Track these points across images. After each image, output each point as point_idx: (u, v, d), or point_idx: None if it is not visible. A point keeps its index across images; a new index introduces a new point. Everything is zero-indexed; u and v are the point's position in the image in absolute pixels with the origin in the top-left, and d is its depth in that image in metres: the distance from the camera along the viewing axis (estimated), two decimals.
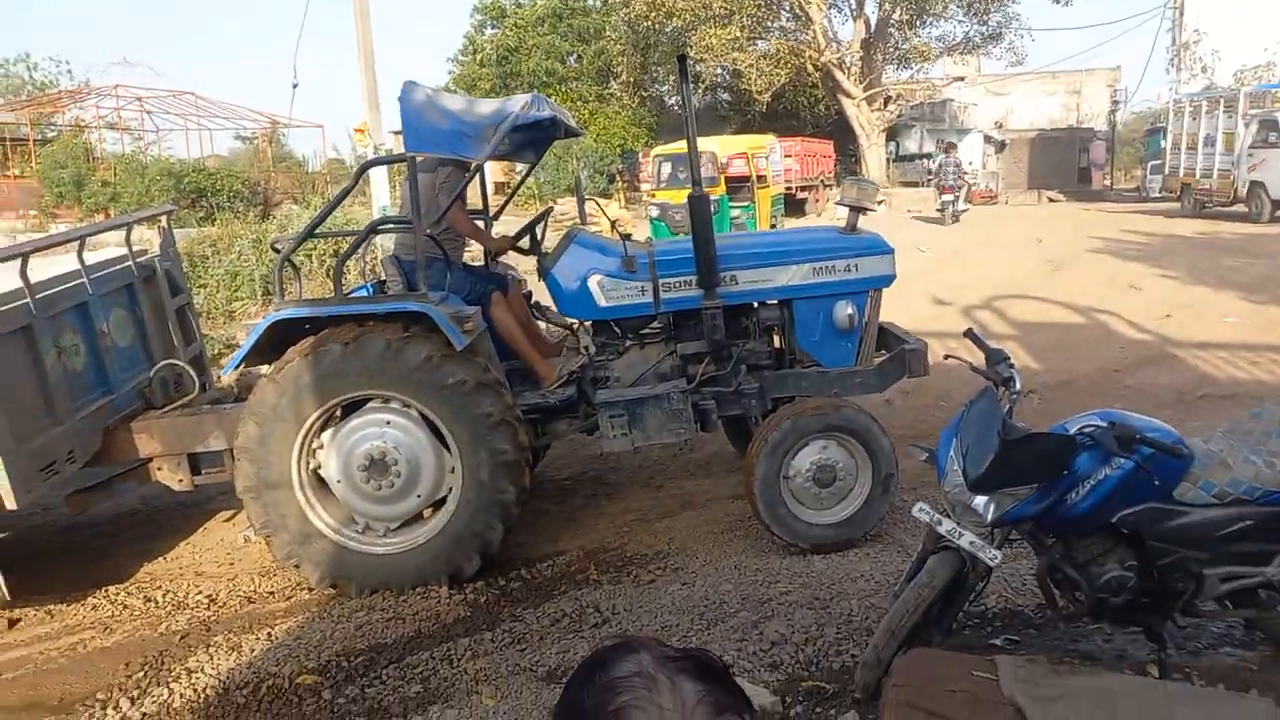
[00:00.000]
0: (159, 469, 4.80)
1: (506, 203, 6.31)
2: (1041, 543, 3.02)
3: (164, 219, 5.94)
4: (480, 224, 5.58)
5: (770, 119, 27.18)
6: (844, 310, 4.81)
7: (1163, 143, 22.57)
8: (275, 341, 4.30)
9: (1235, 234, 15.48)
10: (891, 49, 27.05)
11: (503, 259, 5.46)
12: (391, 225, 5.30)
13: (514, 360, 4.94)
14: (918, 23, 26.15)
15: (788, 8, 25.70)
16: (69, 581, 4.89)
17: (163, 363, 5.18)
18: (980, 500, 2.91)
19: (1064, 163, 29.89)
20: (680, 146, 16.98)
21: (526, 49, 31.40)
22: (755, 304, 4.94)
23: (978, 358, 3.34)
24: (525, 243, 5.29)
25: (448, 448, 4.33)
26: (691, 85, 4.78)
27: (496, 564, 4.55)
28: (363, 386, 4.26)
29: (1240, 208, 18.05)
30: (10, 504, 4.07)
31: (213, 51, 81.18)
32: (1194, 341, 8.11)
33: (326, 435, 4.36)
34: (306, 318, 4.31)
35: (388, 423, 4.32)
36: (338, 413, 4.39)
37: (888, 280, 4.96)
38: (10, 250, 4.44)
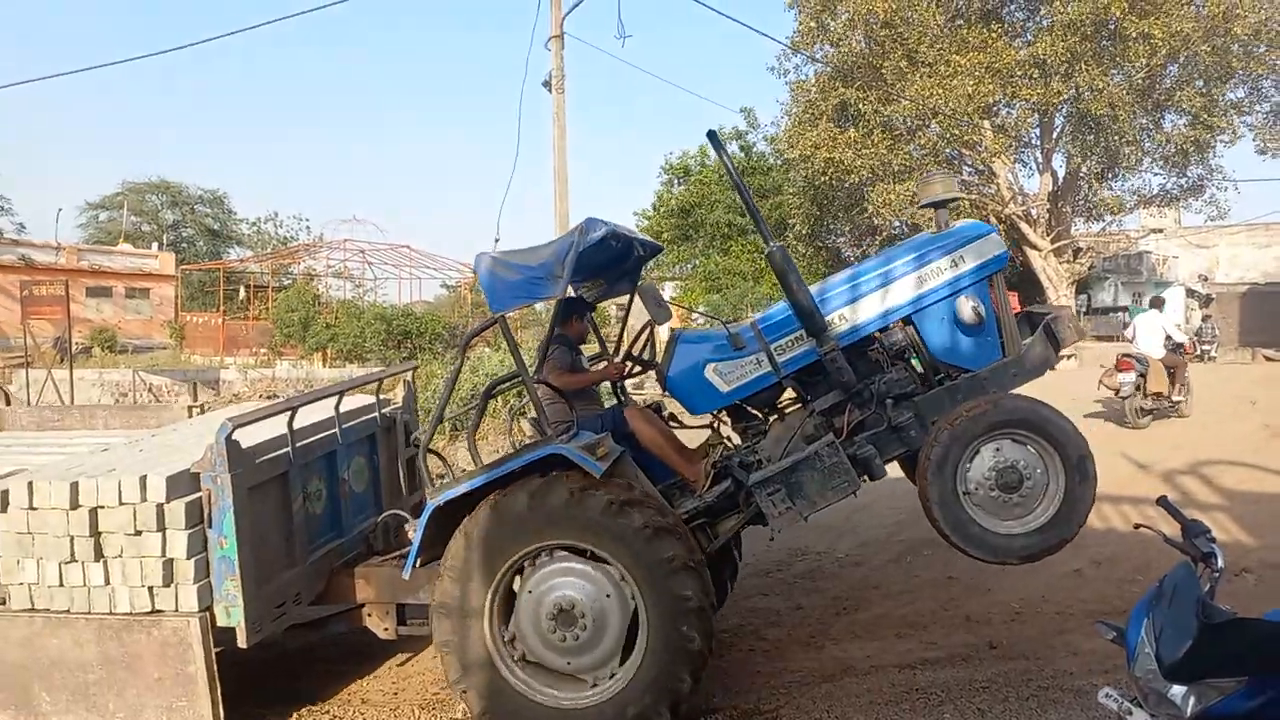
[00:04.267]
0: (369, 614, 5.01)
1: (622, 334, 6.37)
2: None
3: (409, 374, 6.46)
4: (601, 364, 5.65)
5: None
6: (968, 305, 4.56)
7: None
8: (441, 527, 4.41)
9: None
10: (1081, 201, 26.35)
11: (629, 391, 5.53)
12: (504, 386, 5.33)
13: (670, 478, 4.89)
14: (1109, 175, 25.44)
15: (970, 163, 25.75)
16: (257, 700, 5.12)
17: (388, 512, 5.41)
18: (1178, 691, 2.65)
19: None
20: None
21: (709, 204, 32.93)
22: (876, 334, 4.73)
23: (1174, 529, 3.11)
24: (628, 364, 5.34)
25: (631, 596, 4.28)
26: (731, 163, 4.80)
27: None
28: (536, 539, 4.28)
29: None
30: (243, 642, 4.33)
31: (431, 210, 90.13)
32: None
33: (516, 586, 4.39)
34: (460, 496, 4.38)
35: (569, 572, 4.31)
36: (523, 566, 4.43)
37: (1001, 261, 4.72)
38: (281, 405, 4.92)
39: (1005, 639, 5.54)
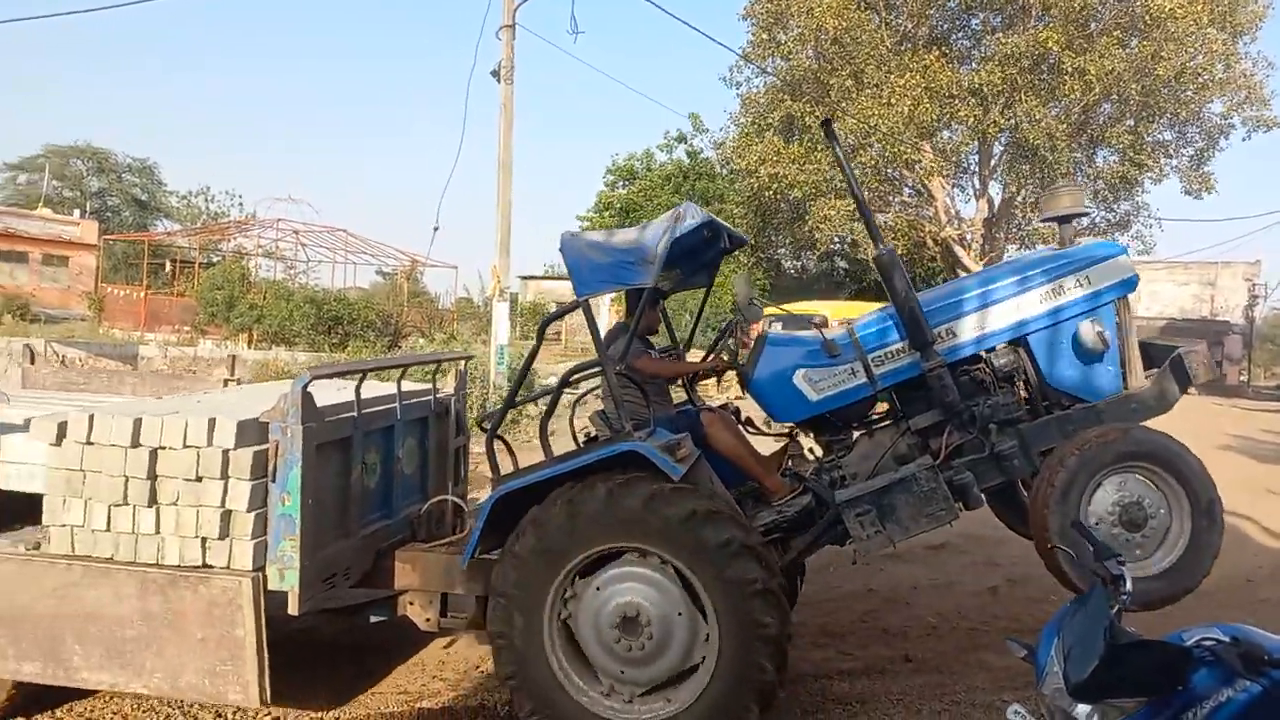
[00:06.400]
0: (410, 603, 4.75)
1: (694, 331, 6.00)
2: None
3: (462, 362, 6.23)
4: (675, 359, 5.39)
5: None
6: (1091, 330, 4.27)
7: None
8: (501, 518, 4.21)
9: None
10: (1014, 228, 27.12)
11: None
12: (582, 374, 4.85)
13: (742, 483, 4.62)
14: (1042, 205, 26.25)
15: (910, 184, 26.28)
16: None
17: (441, 497, 5.21)
18: (1083, 709, 2.69)
19: None
20: (794, 307, 17.21)
21: (652, 206, 33.01)
22: (985, 353, 4.45)
23: (1086, 553, 3.16)
24: (717, 359, 5.04)
25: (703, 612, 3.97)
26: (845, 158, 4.50)
27: None
28: (607, 539, 4.02)
29: None
30: (294, 608, 4.05)
31: (368, 194, 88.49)
32: None
33: (580, 585, 4.12)
34: (527, 487, 4.17)
35: (642, 578, 4.03)
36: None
37: (1132, 284, 4.43)
38: (347, 367, 4.69)
39: (921, 653, 5.61)
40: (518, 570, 4.07)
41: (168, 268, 32.29)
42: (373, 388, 5.04)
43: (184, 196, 46.07)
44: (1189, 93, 22.11)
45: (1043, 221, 5.00)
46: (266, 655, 3.98)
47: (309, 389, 4.05)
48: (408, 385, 5.29)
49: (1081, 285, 4.39)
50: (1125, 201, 25.62)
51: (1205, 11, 20.40)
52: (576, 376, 4.81)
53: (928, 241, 25.53)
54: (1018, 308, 4.40)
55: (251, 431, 4.05)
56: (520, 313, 37.05)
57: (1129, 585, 2.88)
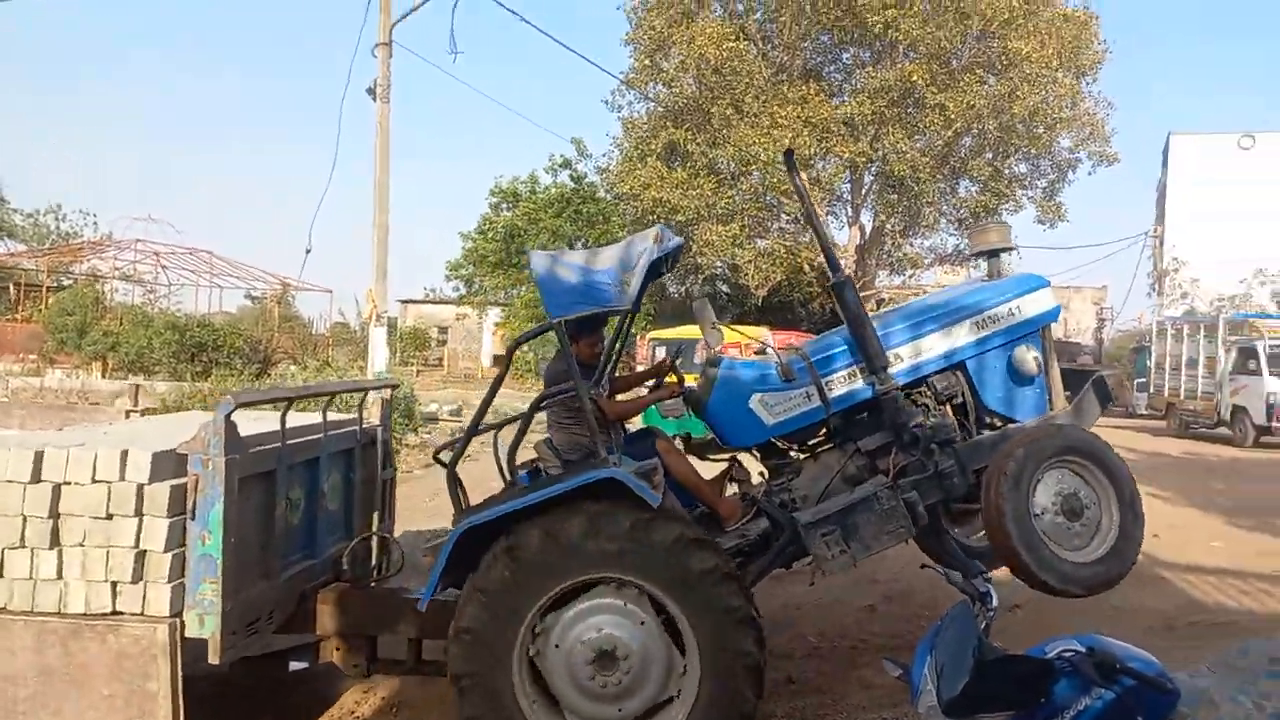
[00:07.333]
0: (337, 648, 4.44)
1: (616, 360, 5.62)
2: None
3: (388, 390, 5.88)
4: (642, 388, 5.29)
5: (766, 312, 28.01)
6: (1027, 355, 4.52)
7: (1148, 361, 23.17)
8: (463, 554, 4.00)
9: (1220, 456, 15.60)
10: (885, 255, 28.28)
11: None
12: (553, 398, 4.52)
13: (691, 509, 4.54)
14: (910, 232, 27.48)
15: (787, 212, 27.10)
16: None
17: (372, 533, 4.88)
18: None
19: None
20: (676, 332, 17.38)
21: (536, 230, 32.85)
22: (929, 376, 4.62)
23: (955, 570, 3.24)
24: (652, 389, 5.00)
25: (678, 643, 3.90)
26: (803, 189, 4.59)
27: None
28: (585, 571, 3.89)
29: (1224, 430, 18.26)
30: (214, 657, 3.73)
31: (235, 215, 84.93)
32: (1183, 564, 7.94)
33: (551, 619, 3.97)
34: (493, 520, 3.98)
35: (589, 611, 3.93)
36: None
37: (1055, 314, 4.73)
38: (274, 394, 4.35)
39: (802, 673, 5.63)
40: (485, 606, 3.86)
41: (11, 292, 30.01)
42: (292, 418, 4.73)
43: (30, 215, 43.00)
44: (1040, 129, 23.64)
45: (972, 255, 5.25)
46: (183, 711, 3.67)
47: (233, 418, 3.75)
48: (324, 416, 5.00)
49: (1013, 314, 4.63)
50: None
51: (1055, 55, 21.92)
52: (547, 402, 4.56)
53: (804, 266, 26.31)
54: (958, 334, 4.60)
55: (168, 464, 3.75)
56: (400, 338, 36.18)
57: (995, 602, 2.98)
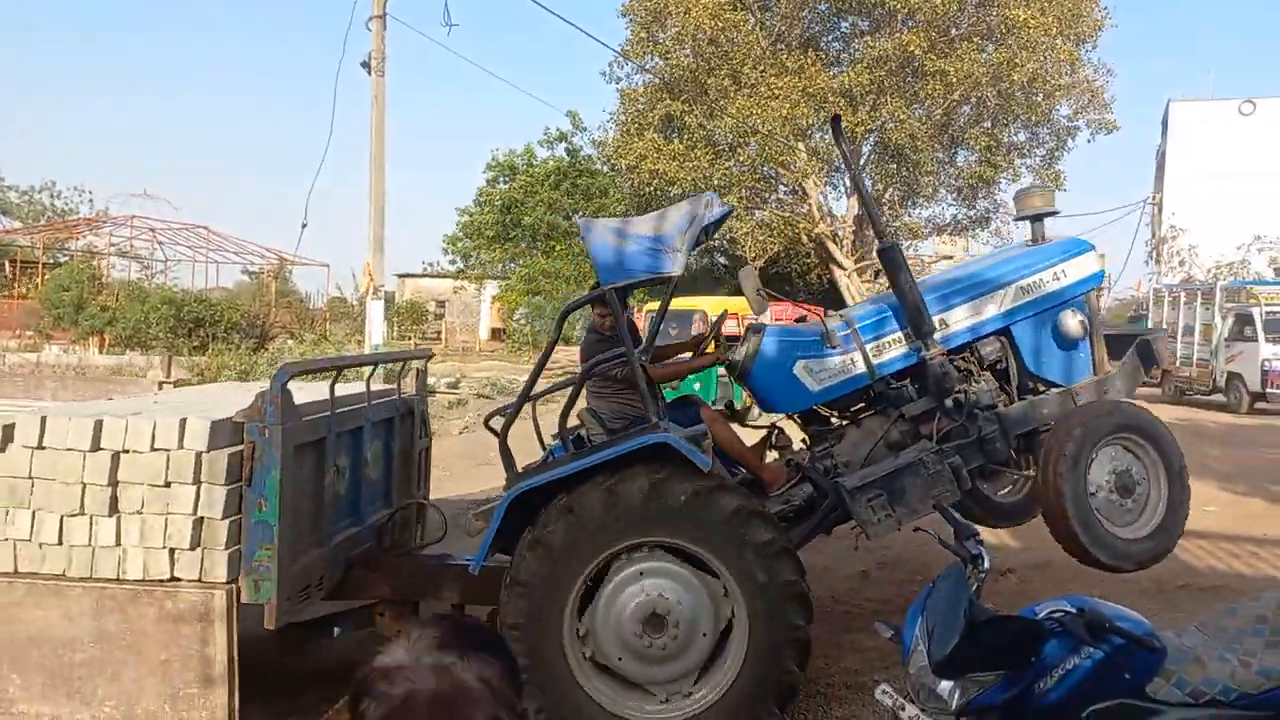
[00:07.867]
0: (382, 614, 4.46)
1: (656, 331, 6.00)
2: None
3: (422, 361, 5.92)
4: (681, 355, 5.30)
5: (764, 283, 27.98)
6: (1073, 320, 4.50)
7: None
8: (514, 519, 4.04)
9: (1215, 422, 15.66)
10: (883, 224, 28.17)
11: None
12: (608, 362, 4.55)
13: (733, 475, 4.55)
14: (908, 203, 27.38)
15: (785, 183, 26.96)
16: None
17: (413, 501, 4.91)
18: (946, 685, 2.78)
19: None
20: (673, 305, 17.33)
21: (532, 203, 32.70)
22: (974, 342, 4.62)
23: (947, 532, 3.28)
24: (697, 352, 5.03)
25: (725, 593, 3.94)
26: (850, 155, 4.59)
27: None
28: (641, 534, 3.91)
29: (1219, 397, 18.33)
30: (270, 622, 3.76)
31: (231, 190, 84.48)
32: None
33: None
34: (544, 485, 4.00)
35: (641, 573, 3.94)
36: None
37: (1099, 278, 4.76)
38: (323, 362, 4.37)
39: None
40: (543, 560, 3.89)
41: (7, 268, 29.94)
42: (322, 390, 4.75)
43: (25, 192, 42.77)
44: (1039, 97, 23.46)
45: (1017, 219, 5.29)
46: (238, 677, 3.70)
47: (289, 386, 3.79)
48: (356, 388, 5.02)
49: (1059, 279, 4.62)
50: (984, 199, 27.01)
51: (1054, 22, 21.71)
52: (600, 367, 4.55)
53: (802, 237, 26.24)
54: (1004, 300, 4.59)
55: (225, 432, 3.76)
56: (397, 312, 36.11)
57: (986, 564, 3.01)
